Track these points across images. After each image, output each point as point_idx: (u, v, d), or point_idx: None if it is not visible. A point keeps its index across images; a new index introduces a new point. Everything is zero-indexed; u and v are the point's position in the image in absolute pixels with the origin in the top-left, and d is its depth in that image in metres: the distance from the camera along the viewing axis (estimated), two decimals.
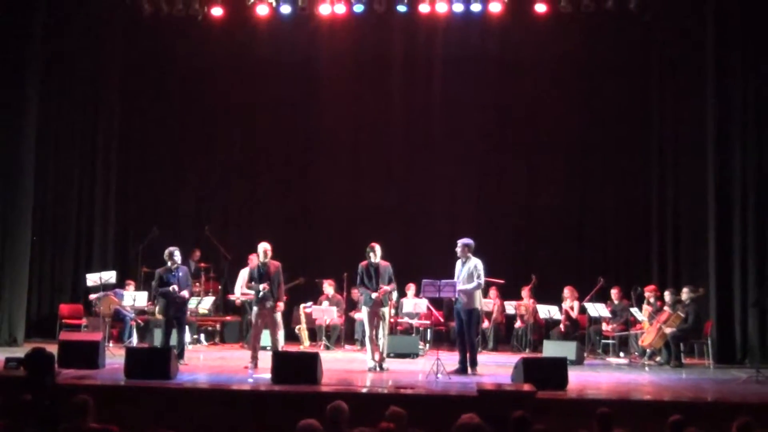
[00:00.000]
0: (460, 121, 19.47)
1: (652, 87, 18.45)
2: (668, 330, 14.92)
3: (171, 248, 14.15)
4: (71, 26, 18.07)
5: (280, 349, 13.26)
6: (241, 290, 16.48)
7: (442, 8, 18.20)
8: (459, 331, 13.59)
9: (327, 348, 16.81)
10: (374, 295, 13.52)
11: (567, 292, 16.98)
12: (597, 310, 16.12)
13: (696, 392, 11.98)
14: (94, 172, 18.83)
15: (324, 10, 18.37)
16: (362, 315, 14.27)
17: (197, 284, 17.37)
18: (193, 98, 19.75)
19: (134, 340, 16.74)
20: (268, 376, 11.79)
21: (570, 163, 19.21)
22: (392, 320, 15.67)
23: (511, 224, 19.14)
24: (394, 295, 13.98)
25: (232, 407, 10.75)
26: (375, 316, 13.61)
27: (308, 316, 17.21)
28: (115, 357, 13.67)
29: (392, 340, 14.64)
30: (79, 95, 18.61)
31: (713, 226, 16.12)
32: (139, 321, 17.12)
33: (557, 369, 11.72)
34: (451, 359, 13.71)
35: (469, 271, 13.37)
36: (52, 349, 11.07)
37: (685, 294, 15.25)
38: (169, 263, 13.98)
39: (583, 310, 16.63)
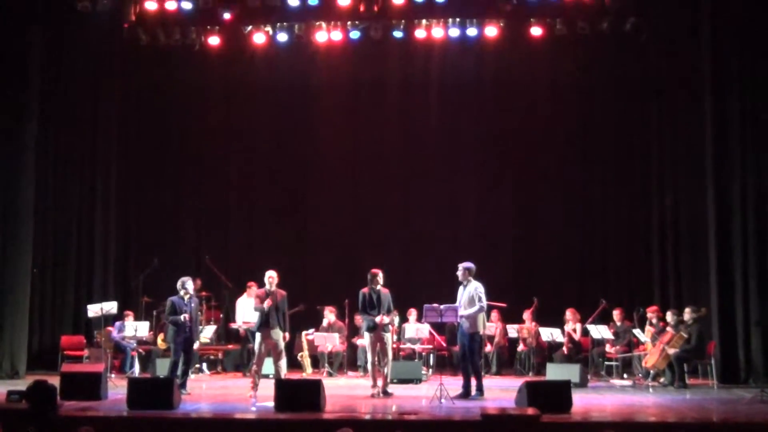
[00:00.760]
0: (458, 145, 19.50)
1: (649, 108, 18.47)
2: (671, 351, 14.89)
3: (183, 278, 14.13)
4: (69, 56, 18.16)
5: (282, 376, 13.21)
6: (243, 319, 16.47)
7: (438, 33, 18.31)
8: (462, 356, 13.55)
9: (330, 375, 16.76)
10: (378, 319, 13.50)
11: (569, 314, 16.96)
12: (600, 332, 16.10)
13: (701, 413, 11.92)
14: (94, 202, 18.82)
15: (320, 37, 18.49)
16: (364, 341, 14.24)
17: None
18: (191, 127, 19.78)
19: (136, 371, 16.67)
20: (271, 404, 11.75)
21: (569, 185, 19.20)
22: (395, 346, 15.65)
23: (512, 248, 19.12)
24: (396, 320, 13.95)
25: None
26: (377, 342, 13.58)
27: (310, 343, 17.18)
28: (117, 388, 13.61)
29: (395, 365, 14.62)
30: (78, 125, 18.62)
31: (714, 246, 16.11)
32: (141, 351, 17.06)
33: (561, 392, 11.68)
34: (454, 384, 13.67)
35: (470, 295, 13.36)
36: (54, 380, 11.05)
37: (687, 314, 15.22)
38: (181, 292, 13.94)
39: (585, 333, 16.60)
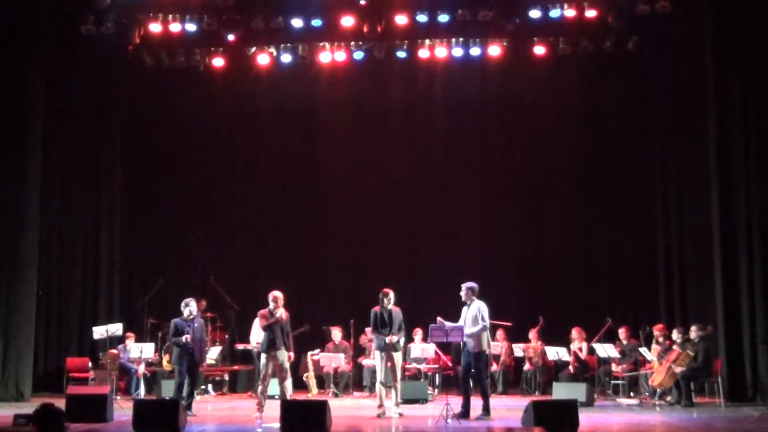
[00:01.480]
0: (462, 164, 19.55)
1: (653, 126, 18.50)
2: (678, 369, 14.84)
3: (187, 299, 14.15)
4: (74, 79, 18.20)
5: (288, 397, 13.19)
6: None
7: (441, 53, 18.39)
8: (464, 375, 13.51)
9: (335, 395, 16.74)
10: (388, 339, 13.50)
11: (575, 333, 16.93)
12: (606, 350, 16.05)
13: (708, 431, 11.86)
14: (99, 224, 18.84)
15: (324, 57, 18.58)
16: (375, 359, 14.21)
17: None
18: (195, 148, 19.85)
19: (142, 392, 16.64)
20: (276, 425, 11.71)
21: (574, 204, 19.20)
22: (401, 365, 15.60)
23: (517, 267, 19.10)
24: (402, 340, 13.91)
25: None
26: (387, 361, 13.57)
27: (316, 363, 17.15)
28: (123, 410, 13.58)
29: (401, 385, 14.56)
30: (82, 148, 18.67)
31: (719, 263, 16.06)
32: (146, 372, 17.04)
33: (568, 411, 11.63)
34: (460, 403, 13.61)
35: (473, 314, 13.35)
36: (60, 403, 11.01)
37: (693, 333, 15.17)
38: (185, 313, 13.95)
39: (591, 351, 16.55)
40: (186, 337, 13.70)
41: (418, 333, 17.16)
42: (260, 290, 14.75)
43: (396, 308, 13.73)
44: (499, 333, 17.43)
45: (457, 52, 18.42)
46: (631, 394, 16.36)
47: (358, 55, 18.55)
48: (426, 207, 19.59)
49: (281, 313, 13.30)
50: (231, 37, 18.25)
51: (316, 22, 17.89)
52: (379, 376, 13.66)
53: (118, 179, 19.14)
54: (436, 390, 16.74)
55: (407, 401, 14.90)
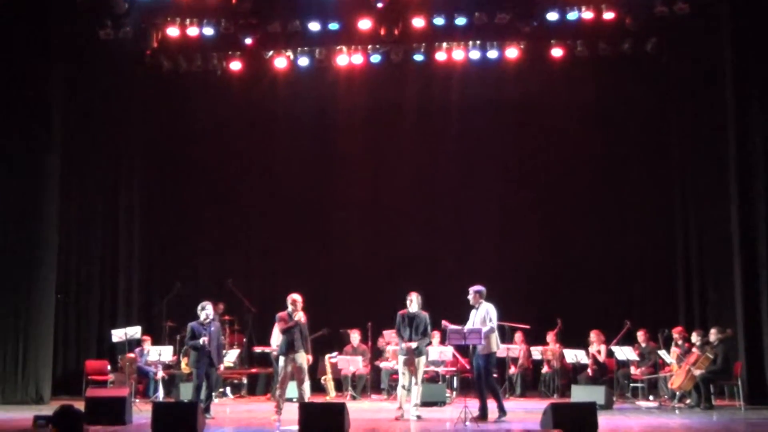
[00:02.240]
0: (479, 167, 19.54)
1: (672, 129, 18.45)
2: (697, 372, 14.77)
3: (203, 302, 14.17)
4: (92, 84, 18.25)
5: (306, 400, 13.19)
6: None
7: (458, 56, 18.39)
8: (477, 378, 13.50)
9: (353, 398, 16.73)
10: (403, 345, 13.49)
11: (593, 336, 16.88)
12: (624, 353, 16.00)
13: None
14: (117, 228, 18.93)
15: (341, 61, 18.60)
16: (398, 363, 14.20)
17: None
18: (212, 152, 19.89)
19: (160, 395, 16.67)
20: (295, 428, 11.71)
21: (592, 207, 19.18)
22: None
23: (535, 270, 19.04)
24: (422, 345, 13.83)
25: None
26: (409, 366, 13.54)
27: (333, 366, 17.15)
28: (141, 412, 13.63)
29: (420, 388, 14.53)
30: (101, 152, 18.76)
31: (739, 265, 15.95)
32: (164, 375, 17.08)
33: (587, 414, 11.59)
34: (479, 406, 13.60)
35: (482, 316, 13.35)
36: (79, 405, 11.06)
37: (713, 335, 15.09)
38: (201, 317, 13.96)
39: (610, 354, 16.50)
40: (203, 340, 13.72)
41: (435, 336, 17.11)
42: (278, 293, 14.73)
43: (423, 312, 13.71)
44: (518, 336, 17.40)
45: (474, 54, 18.41)
46: (651, 397, 16.31)
47: (375, 58, 18.58)
48: (443, 210, 19.59)
49: (300, 316, 13.31)
50: (248, 41, 18.25)
51: (333, 26, 17.87)
52: (400, 380, 13.65)
53: (136, 183, 19.24)
54: (455, 393, 16.72)
55: (425, 404, 14.85)
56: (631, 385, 16.53)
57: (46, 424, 10.77)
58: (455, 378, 17.14)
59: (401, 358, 13.73)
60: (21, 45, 16.71)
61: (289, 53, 18.72)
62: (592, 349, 16.81)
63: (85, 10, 17.18)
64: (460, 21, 17.63)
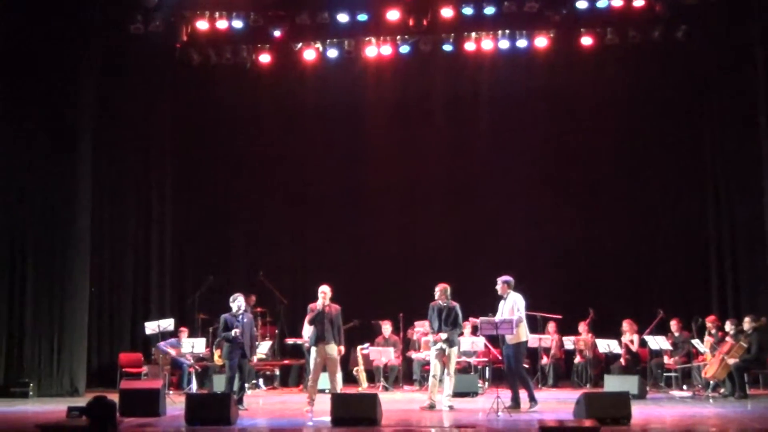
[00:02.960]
0: (509, 157, 19.43)
1: (703, 116, 18.32)
2: (731, 361, 14.67)
3: (235, 294, 14.20)
4: (122, 77, 18.36)
5: (338, 391, 13.22)
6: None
7: (487, 46, 18.32)
8: (508, 368, 13.49)
9: (385, 389, 16.76)
10: (432, 337, 13.51)
11: (626, 325, 16.81)
12: (658, 342, 15.93)
13: (763, 423, 11.69)
14: (149, 221, 19.07)
15: (370, 52, 18.59)
16: (430, 352, 14.21)
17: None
18: (243, 144, 19.94)
19: (194, 387, 16.78)
20: (327, 418, 11.75)
21: (623, 195, 19.07)
22: None
23: (566, 259, 18.96)
24: (453, 336, 13.79)
25: None
26: (441, 356, 13.54)
27: (365, 357, 17.18)
28: (175, 404, 13.70)
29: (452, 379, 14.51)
30: (132, 146, 18.89)
31: None
32: (197, 367, 17.17)
33: (620, 404, 11.55)
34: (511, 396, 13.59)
35: (509, 307, 13.33)
36: (113, 397, 11.16)
37: (746, 324, 14.98)
38: (233, 309, 14.01)
39: (643, 344, 16.43)
40: (235, 331, 13.75)
41: (467, 326, 17.11)
42: (309, 285, 14.78)
43: (453, 303, 13.68)
44: (551, 326, 17.35)
45: (504, 44, 18.34)
46: (684, 386, 16.23)
47: (404, 49, 18.56)
48: (473, 200, 19.54)
49: (320, 304, 13.34)
50: (277, 33, 18.32)
51: (362, 17, 17.88)
52: (432, 370, 13.65)
53: (168, 176, 19.34)
54: (486, 383, 16.71)
55: (457, 394, 14.83)
56: (665, 374, 16.45)
57: (80, 415, 10.90)
58: (487, 368, 17.13)
59: (432, 349, 13.73)
60: (53, 40, 16.82)
61: (318, 45, 18.74)
62: (625, 338, 16.74)
63: (115, 5, 17.30)
64: (489, 10, 17.60)
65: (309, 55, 18.76)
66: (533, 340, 15.60)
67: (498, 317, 13.24)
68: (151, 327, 17.16)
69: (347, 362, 16.73)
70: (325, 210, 19.89)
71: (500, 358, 16.83)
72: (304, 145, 19.98)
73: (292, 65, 19.14)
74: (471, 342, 16.92)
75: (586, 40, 18.13)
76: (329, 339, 13.33)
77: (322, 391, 13.97)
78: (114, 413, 7.63)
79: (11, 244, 16.72)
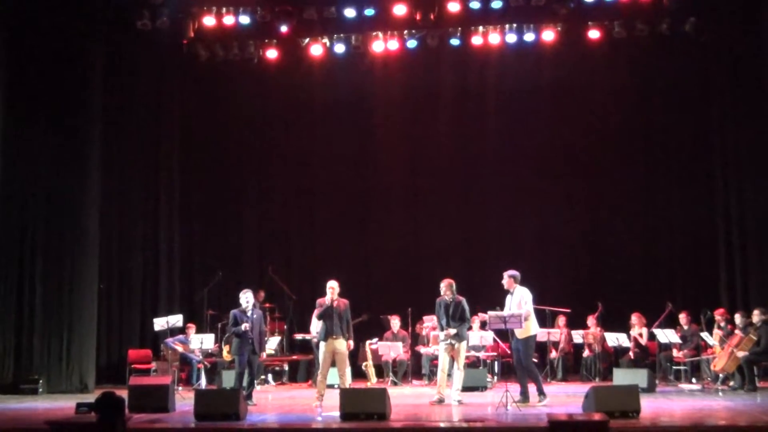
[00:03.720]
0: (517, 151, 19.42)
1: (712, 108, 18.25)
2: (741, 354, 14.64)
3: (244, 290, 14.19)
4: (130, 74, 18.43)
5: (347, 386, 13.22)
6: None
7: (495, 40, 18.32)
8: (517, 363, 13.48)
9: (394, 384, 16.77)
10: (441, 335, 13.50)
11: (634, 318, 16.79)
12: (666, 336, 15.90)
13: None
14: (158, 217, 19.09)
15: (377, 47, 18.59)
16: (439, 348, 14.22)
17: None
18: (250, 140, 19.98)
19: (203, 383, 16.80)
20: (336, 413, 11.74)
21: (632, 189, 19.04)
22: None
23: (575, 253, 18.96)
24: (462, 330, 13.80)
25: None
26: (449, 351, 13.54)
27: (374, 352, 17.19)
28: (184, 400, 13.71)
29: (461, 373, 14.48)
30: (140, 142, 18.93)
31: None
32: (207, 363, 17.20)
33: (629, 397, 11.50)
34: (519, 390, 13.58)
35: (517, 301, 13.32)
36: (122, 394, 11.17)
37: (756, 316, 14.94)
38: (242, 304, 14.01)
39: (652, 337, 16.41)
40: (245, 326, 13.75)
41: (475, 321, 17.11)
42: (318, 280, 14.78)
43: (459, 297, 13.66)
44: (561, 320, 17.34)
45: (511, 38, 18.35)
46: (693, 379, 16.19)
47: (411, 43, 18.56)
48: (481, 194, 19.53)
49: (328, 299, 13.35)
50: (284, 29, 18.33)
51: (369, 12, 17.89)
52: (440, 365, 13.64)
53: (175, 172, 19.36)
54: (495, 377, 16.72)
55: (466, 389, 14.80)
56: (674, 367, 16.42)
57: (89, 411, 10.92)
58: (496, 363, 17.13)
59: (441, 344, 13.72)
60: (60, 38, 16.84)
61: (325, 40, 18.76)
62: (634, 332, 16.73)
63: (122, 2, 17.32)
64: (496, 4, 17.62)
65: (316, 50, 18.78)
66: (542, 334, 15.56)
67: (506, 312, 13.22)
68: (159, 323, 17.22)
69: (356, 357, 16.74)
70: (334, 205, 19.88)
71: (509, 352, 16.89)
72: (311, 140, 19.99)
73: (299, 60, 19.16)
74: (480, 336, 16.92)
75: (594, 34, 18.11)
76: (338, 334, 13.33)
77: (331, 386, 13.97)
78: (123, 409, 7.59)
79: (21, 241, 16.74)
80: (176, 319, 17.17)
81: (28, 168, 16.83)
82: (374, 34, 18.56)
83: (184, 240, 19.53)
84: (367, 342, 17.21)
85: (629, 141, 19.10)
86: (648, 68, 18.75)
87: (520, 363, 13.40)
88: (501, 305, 13.49)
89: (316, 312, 13.64)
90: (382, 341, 17.31)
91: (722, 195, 17.96)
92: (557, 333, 17.22)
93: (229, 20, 18.06)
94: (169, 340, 16.93)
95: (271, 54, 18.96)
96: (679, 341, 16.18)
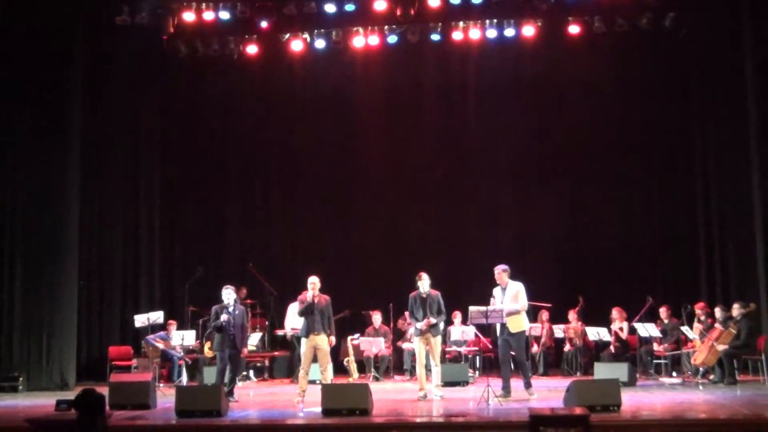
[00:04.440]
0: (497, 146, 19.49)
1: (692, 102, 18.35)
2: (721, 347, 14.71)
3: (226, 286, 14.15)
4: (110, 70, 18.33)
5: (329, 382, 13.22)
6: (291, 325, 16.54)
7: (475, 35, 18.32)
8: (502, 357, 13.48)
9: (376, 379, 16.77)
10: (419, 325, 13.49)
11: (615, 313, 16.84)
12: (647, 330, 15.96)
13: (752, 409, 11.71)
14: (138, 213, 19.00)
15: (358, 42, 18.56)
16: (414, 344, 14.22)
17: None
18: (231, 136, 19.93)
19: (184, 379, 16.77)
20: (318, 409, 11.75)
21: (612, 183, 19.09)
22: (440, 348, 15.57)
23: (555, 248, 18.99)
24: (441, 324, 13.86)
25: None
26: (425, 346, 13.54)
27: (356, 348, 17.17)
28: (166, 397, 13.69)
29: (441, 368, 14.49)
30: (120, 137, 18.83)
31: (761, 239, 15.86)
32: (188, 360, 17.16)
33: (610, 391, 11.56)
34: (501, 385, 13.60)
35: (512, 294, 13.31)
36: (103, 391, 11.13)
37: (735, 310, 15.01)
38: (224, 300, 13.95)
39: (632, 331, 16.47)
40: (224, 317, 13.69)
41: (457, 316, 17.16)
42: (299, 276, 14.75)
43: (435, 291, 13.67)
44: (543, 314, 17.37)
45: (491, 33, 18.35)
46: (674, 373, 16.25)
47: (392, 39, 18.54)
48: (462, 189, 19.56)
49: (310, 295, 13.34)
50: (264, 24, 18.29)
51: (349, 7, 17.84)
52: (419, 360, 13.64)
53: (156, 167, 19.28)
54: (477, 372, 16.74)
55: (448, 384, 14.86)
56: (654, 361, 16.48)
57: (68, 408, 10.87)
58: (477, 358, 17.16)
59: (416, 340, 13.70)
60: (38, 33, 16.75)
61: (306, 36, 18.71)
62: (615, 326, 16.78)
63: None
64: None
65: (296, 45, 18.73)
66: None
67: (501, 306, 13.22)
68: (140, 320, 17.14)
69: (338, 353, 16.71)
70: (315, 201, 19.86)
71: (490, 347, 16.95)
72: (292, 135, 19.97)
73: (279, 56, 19.11)
74: (461, 331, 16.96)
75: (574, 29, 18.13)
76: (319, 330, 13.31)
77: (313, 382, 13.95)
78: (103, 406, 7.58)
79: (0, 237, 16.66)
80: (157, 316, 17.11)
81: (6, 164, 16.73)
82: (354, 29, 18.51)
83: (165, 237, 19.45)
84: (349, 337, 17.19)
85: (609, 136, 19.13)
86: (628, 63, 18.80)
87: (505, 357, 13.41)
88: (482, 300, 13.49)
89: (297, 308, 13.62)
90: (363, 337, 17.31)
91: (702, 189, 18.06)
92: (539, 328, 17.27)
93: (208, 16, 17.99)
94: (150, 336, 16.87)
95: (251, 49, 18.90)
96: (660, 335, 16.23)
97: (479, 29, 18.31)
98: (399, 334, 17.81)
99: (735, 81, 16.67)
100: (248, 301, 17.90)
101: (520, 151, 19.42)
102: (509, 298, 13.34)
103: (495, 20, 18.25)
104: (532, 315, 17.13)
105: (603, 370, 14.81)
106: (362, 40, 18.56)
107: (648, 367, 16.47)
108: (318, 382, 13.56)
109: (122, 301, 18.67)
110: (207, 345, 16.82)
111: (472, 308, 13.22)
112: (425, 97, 19.74)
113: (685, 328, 15.62)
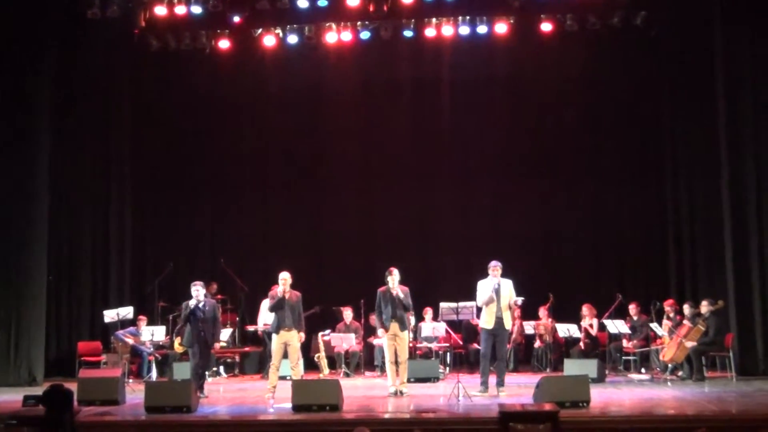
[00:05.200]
0: (470, 143, 19.51)
1: (662, 102, 18.46)
2: (689, 344, 14.82)
3: (195, 282, 14.06)
4: (80, 64, 18.16)
5: (299, 377, 13.20)
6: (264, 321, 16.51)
7: (448, 32, 18.30)
8: (493, 354, 13.48)
9: (347, 375, 16.77)
10: (386, 325, 13.47)
11: (585, 309, 16.93)
12: (616, 326, 16.04)
13: (720, 405, 11.83)
14: (108, 208, 18.86)
15: (330, 38, 18.50)
16: (381, 341, 14.22)
17: None
18: (203, 131, 19.81)
19: (153, 375, 16.70)
20: (288, 405, 11.74)
21: (582, 181, 19.16)
22: (411, 345, 15.59)
23: (526, 244, 19.01)
24: (412, 319, 13.90)
25: None
26: (393, 342, 13.54)
27: (327, 344, 17.16)
28: (135, 393, 13.63)
29: (412, 364, 14.51)
30: (90, 133, 18.66)
31: (729, 237, 16.01)
32: (158, 355, 17.08)
33: (579, 387, 11.64)
34: (472, 381, 13.65)
35: (508, 289, 13.43)
36: (72, 386, 11.07)
37: (704, 307, 15.12)
38: (193, 296, 13.87)
39: (602, 328, 16.56)
40: (192, 301, 13.57)
41: (428, 312, 17.18)
42: (270, 272, 14.72)
43: (404, 287, 13.67)
44: (514, 311, 17.40)
45: (464, 30, 18.31)
46: (643, 369, 16.35)
47: (365, 35, 18.47)
48: (434, 185, 19.57)
49: (280, 291, 13.31)
50: (236, 19, 18.19)
51: (322, 2, 17.74)
52: (388, 357, 13.62)
53: (127, 163, 19.14)
54: (447, 368, 16.77)
55: (419, 380, 14.90)
56: (623, 358, 16.59)
57: (36, 404, 10.81)
58: (448, 354, 17.19)
59: (385, 335, 13.67)
60: (7, 26, 16.61)
61: (278, 31, 18.61)
62: (584, 323, 16.86)
63: None
64: None
65: (269, 40, 18.65)
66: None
67: (502, 301, 13.27)
68: (110, 315, 17.06)
69: (308, 349, 16.69)
70: (286, 196, 19.82)
71: (461, 343, 16.99)
72: (263, 131, 19.91)
73: (252, 51, 19.00)
74: (432, 327, 16.97)
75: (546, 27, 18.14)
76: (290, 326, 13.28)
77: (283, 377, 13.93)
78: (71, 401, 7.55)
79: None
80: (127, 311, 17.03)
81: None
82: (327, 25, 18.44)
83: (136, 231, 19.33)
84: (320, 333, 17.17)
85: (580, 134, 19.22)
86: (600, 62, 18.84)
87: (494, 354, 13.44)
88: (454, 295, 13.53)
89: (268, 303, 13.59)
90: (334, 333, 17.30)
91: (672, 188, 18.18)
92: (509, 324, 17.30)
93: (180, 10, 17.85)
94: (120, 332, 16.79)
95: (224, 44, 18.80)
96: (629, 332, 16.33)
97: (452, 26, 18.30)
98: (370, 330, 17.81)
99: (705, 79, 16.78)
100: (219, 296, 17.80)
101: (491, 148, 19.44)
102: (507, 292, 13.46)
103: (468, 17, 18.23)
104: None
105: (572, 367, 14.87)
106: (335, 35, 18.51)
107: (617, 363, 16.57)
108: (288, 378, 13.55)
109: (92, 296, 18.50)
110: (177, 341, 16.74)
111: (443, 304, 13.27)
112: (398, 93, 19.72)
113: (654, 325, 15.72)
